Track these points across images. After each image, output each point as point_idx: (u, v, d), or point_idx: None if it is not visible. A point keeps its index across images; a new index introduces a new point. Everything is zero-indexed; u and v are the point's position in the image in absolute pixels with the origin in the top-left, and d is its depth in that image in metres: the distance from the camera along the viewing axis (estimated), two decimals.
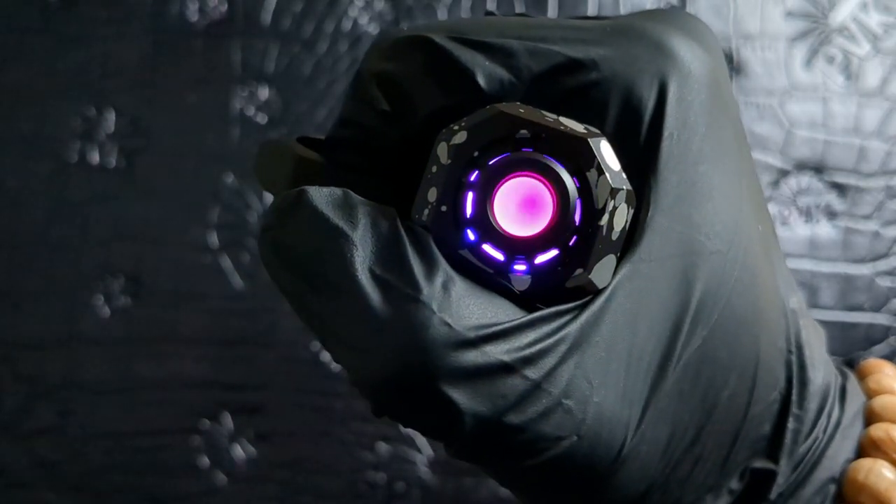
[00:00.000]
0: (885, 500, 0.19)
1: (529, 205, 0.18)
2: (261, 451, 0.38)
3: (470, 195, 0.18)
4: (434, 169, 0.18)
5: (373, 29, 0.40)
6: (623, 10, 0.40)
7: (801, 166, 0.39)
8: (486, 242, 0.18)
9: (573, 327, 0.17)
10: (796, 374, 0.20)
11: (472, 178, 0.18)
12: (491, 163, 0.18)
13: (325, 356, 0.39)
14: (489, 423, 0.17)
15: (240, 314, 0.39)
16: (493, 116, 0.18)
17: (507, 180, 0.18)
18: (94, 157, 0.40)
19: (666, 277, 0.18)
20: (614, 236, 0.18)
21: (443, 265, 0.18)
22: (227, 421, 0.38)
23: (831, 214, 0.39)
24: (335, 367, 0.39)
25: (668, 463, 0.18)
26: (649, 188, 0.18)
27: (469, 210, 0.18)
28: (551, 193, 0.18)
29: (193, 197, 0.40)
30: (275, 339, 0.39)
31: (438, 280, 0.17)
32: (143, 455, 0.38)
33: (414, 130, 0.19)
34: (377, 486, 0.38)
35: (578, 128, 0.18)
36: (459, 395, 0.17)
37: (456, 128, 0.18)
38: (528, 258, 0.18)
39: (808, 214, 0.39)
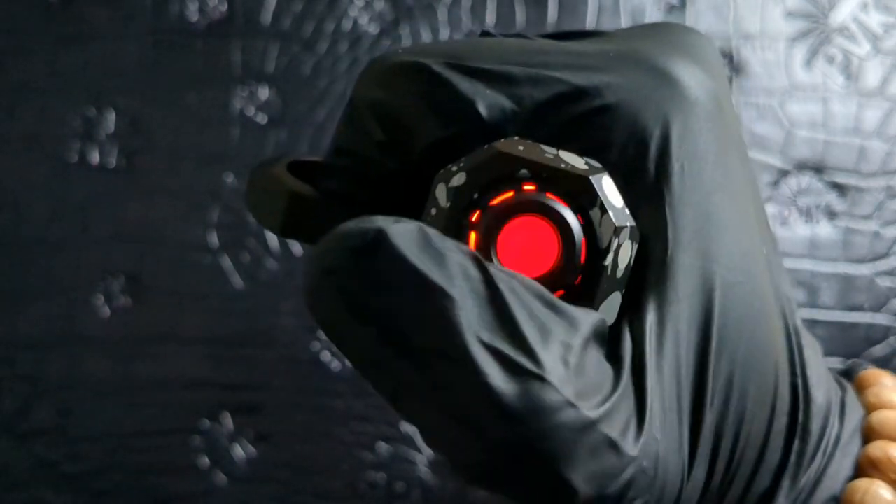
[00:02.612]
0: None
1: (533, 246, 0.17)
2: (261, 451, 0.38)
3: (472, 237, 0.17)
4: (433, 211, 0.18)
5: (373, 29, 0.40)
6: (623, 10, 0.40)
7: (801, 166, 0.39)
8: None
9: (626, 388, 0.17)
10: (801, 395, 0.20)
11: (473, 219, 0.17)
12: (492, 204, 0.17)
13: (325, 356, 0.39)
14: (595, 499, 0.16)
15: (240, 314, 0.39)
16: (492, 157, 0.17)
17: (509, 222, 0.17)
18: (94, 157, 0.40)
19: (692, 316, 0.18)
20: (619, 274, 0.18)
21: (554, 327, 0.16)
22: (227, 421, 0.38)
23: (831, 214, 0.39)
24: (335, 366, 0.39)
25: (705, 499, 0.18)
26: (665, 223, 0.18)
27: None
28: (555, 234, 0.17)
29: (193, 197, 0.40)
30: (275, 339, 0.39)
31: (556, 350, 0.16)
32: (143, 455, 0.38)
33: (412, 161, 0.19)
34: (377, 486, 0.38)
35: (579, 163, 0.18)
36: (577, 477, 0.16)
37: (454, 169, 0.18)
38: None
39: (808, 214, 0.39)
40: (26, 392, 0.39)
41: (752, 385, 0.18)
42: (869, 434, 0.21)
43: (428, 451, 0.38)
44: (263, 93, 0.40)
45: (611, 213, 0.17)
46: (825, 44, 0.40)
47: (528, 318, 0.16)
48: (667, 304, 0.18)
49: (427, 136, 0.18)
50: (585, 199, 0.17)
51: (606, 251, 0.17)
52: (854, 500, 0.20)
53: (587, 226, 0.17)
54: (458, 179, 0.17)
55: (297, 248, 0.39)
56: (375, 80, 0.19)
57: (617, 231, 0.17)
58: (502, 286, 0.16)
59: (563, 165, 0.17)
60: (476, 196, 0.17)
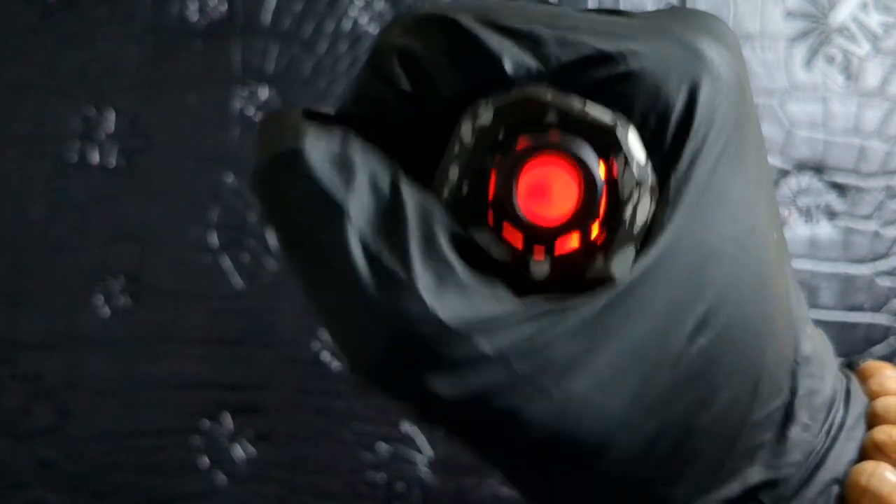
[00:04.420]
0: None
1: (554, 190, 0.17)
2: (261, 451, 0.38)
3: (493, 177, 0.18)
4: (457, 148, 0.18)
5: (373, 29, 0.40)
6: (623, 7, 0.40)
7: (801, 166, 0.39)
8: (509, 226, 0.18)
9: (570, 319, 0.17)
10: (804, 383, 0.20)
11: (496, 159, 0.18)
12: (517, 146, 0.17)
13: (325, 356, 0.39)
14: (469, 409, 0.17)
15: (240, 314, 0.39)
16: (520, 99, 0.18)
17: (532, 164, 0.17)
18: (94, 157, 0.40)
19: (677, 277, 0.18)
20: (636, 229, 0.18)
21: (442, 246, 0.17)
22: (227, 421, 0.38)
23: (831, 214, 0.39)
24: (335, 366, 0.39)
25: (656, 457, 0.19)
26: (670, 186, 0.18)
27: (491, 192, 0.18)
28: (577, 180, 0.17)
29: (193, 197, 0.40)
30: (275, 339, 0.39)
31: (434, 265, 0.17)
32: (143, 455, 0.38)
33: (432, 112, 0.19)
34: (377, 486, 0.38)
35: (606, 116, 0.18)
36: (442, 385, 0.17)
37: (482, 108, 0.18)
38: (549, 245, 0.17)
39: (808, 214, 0.39)
40: (26, 392, 0.39)
41: (728, 356, 0.18)
42: (873, 420, 0.21)
43: (428, 451, 0.38)
44: (263, 93, 0.40)
45: (633, 165, 0.17)
46: (825, 44, 0.40)
47: (419, 234, 0.17)
48: (650, 258, 0.18)
49: (450, 88, 0.19)
50: (610, 149, 0.17)
51: (626, 203, 0.17)
52: (860, 481, 0.20)
53: (609, 176, 0.17)
54: (486, 118, 0.18)
55: None
56: (403, 29, 0.19)
57: (639, 184, 0.17)
58: (408, 203, 0.17)
59: (590, 115, 0.17)
60: (501, 137, 0.18)
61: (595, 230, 0.18)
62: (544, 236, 0.17)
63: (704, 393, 0.18)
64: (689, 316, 0.18)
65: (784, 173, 0.39)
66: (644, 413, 0.18)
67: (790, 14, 0.40)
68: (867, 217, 0.39)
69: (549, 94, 0.18)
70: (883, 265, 0.39)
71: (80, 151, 0.40)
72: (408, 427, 0.38)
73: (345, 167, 0.17)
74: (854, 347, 0.38)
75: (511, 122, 0.18)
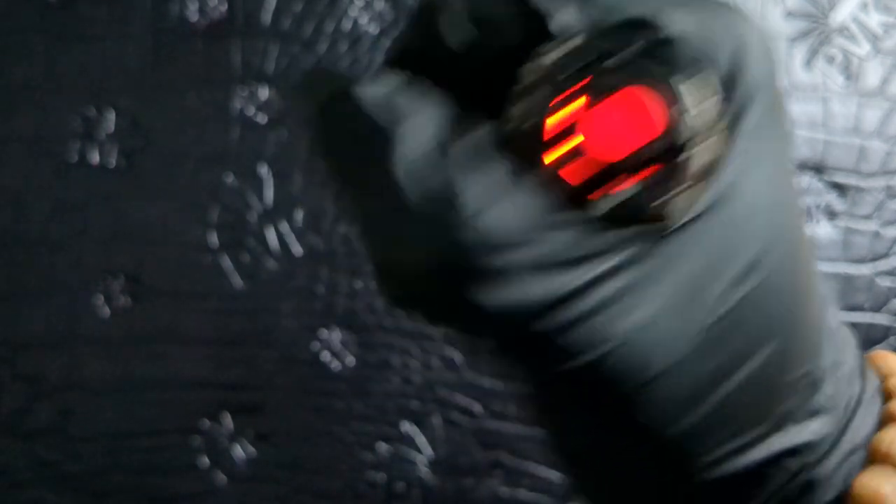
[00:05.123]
0: None
1: (615, 131, 0.18)
2: (261, 451, 0.38)
3: (556, 115, 0.18)
4: (520, 87, 0.18)
5: (373, 29, 0.40)
6: None
7: (802, 166, 0.39)
8: (568, 163, 0.18)
9: (624, 248, 0.18)
10: (829, 355, 0.21)
11: (560, 99, 0.18)
12: (580, 86, 0.18)
13: (326, 356, 0.39)
14: (515, 327, 0.17)
15: (240, 314, 0.39)
16: (584, 43, 0.18)
17: (595, 104, 0.18)
18: (94, 157, 0.40)
19: (727, 223, 0.19)
20: (695, 172, 0.18)
21: (490, 170, 0.18)
22: (227, 421, 0.38)
23: (831, 214, 0.39)
24: (335, 366, 0.39)
25: (698, 405, 0.19)
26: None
27: (554, 130, 0.18)
28: (640, 121, 0.18)
29: (193, 197, 0.40)
30: (275, 339, 0.39)
31: (481, 183, 0.17)
32: (143, 455, 0.38)
33: (477, 68, 0.19)
34: (377, 486, 0.38)
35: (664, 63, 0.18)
36: (486, 298, 0.17)
37: (546, 49, 0.18)
38: (610, 183, 0.18)
39: (808, 214, 0.39)
40: (26, 392, 0.39)
41: (769, 309, 0.19)
42: (888, 396, 0.22)
43: (428, 451, 0.38)
44: (263, 93, 0.40)
45: (694, 109, 0.18)
46: (825, 44, 0.40)
47: (467, 156, 0.18)
48: (702, 201, 0.18)
49: (494, 44, 0.19)
50: (671, 94, 0.18)
51: (686, 145, 0.18)
52: (881, 448, 0.21)
53: (671, 119, 0.18)
54: (550, 58, 0.18)
55: (297, 248, 0.39)
56: None
57: (700, 127, 0.18)
58: (457, 131, 0.18)
59: (650, 61, 0.18)
60: (565, 77, 0.18)
61: (657, 169, 0.18)
62: (605, 174, 0.18)
63: (748, 344, 0.19)
64: (736, 260, 0.18)
65: None
66: (695, 354, 0.18)
67: (790, 14, 0.40)
68: (867, 217, 0.39)
69: (607, 41, 0.18)
70: (883, 265, 0.39)
71: (80, 151, 0.40)
72: (408, 427, 0.38)
73: (396, 102, 0.18)
74: None
75: (575, 63, 0.18)
